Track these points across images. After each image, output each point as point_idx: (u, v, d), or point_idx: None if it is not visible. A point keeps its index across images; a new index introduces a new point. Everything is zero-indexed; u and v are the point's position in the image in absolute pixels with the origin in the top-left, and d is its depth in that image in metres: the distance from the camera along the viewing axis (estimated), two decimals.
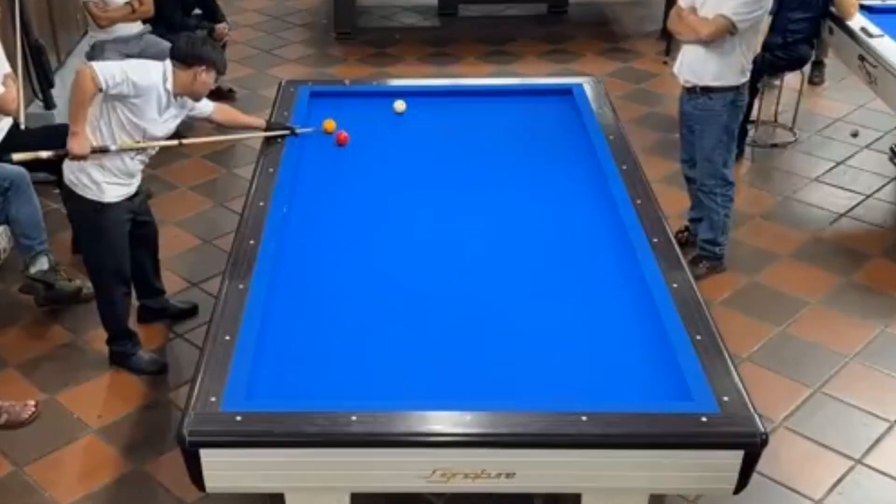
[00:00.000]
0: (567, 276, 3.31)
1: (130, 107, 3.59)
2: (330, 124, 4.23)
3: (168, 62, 3.66)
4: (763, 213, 5.30)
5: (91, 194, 3.73)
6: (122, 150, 3.67)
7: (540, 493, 3.07)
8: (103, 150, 3.64)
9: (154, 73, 3.61)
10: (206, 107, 4.00)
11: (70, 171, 3.73)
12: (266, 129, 4.17)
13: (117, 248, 3.86)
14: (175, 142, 3.99)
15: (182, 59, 3.64)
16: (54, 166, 4.03)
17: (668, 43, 7.15)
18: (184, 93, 3.71)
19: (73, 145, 3.57)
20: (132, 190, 3.85)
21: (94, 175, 3.69)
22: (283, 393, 2.74)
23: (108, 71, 3.50)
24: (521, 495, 3.03)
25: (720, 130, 4.45)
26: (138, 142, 3.68)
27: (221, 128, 4.49)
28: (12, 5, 5.07)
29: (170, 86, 3.64)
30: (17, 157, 3.71)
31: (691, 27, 4.34)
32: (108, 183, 3.73)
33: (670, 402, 2.67)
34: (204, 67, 3.64)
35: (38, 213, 4.25)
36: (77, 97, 3.54)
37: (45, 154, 3.68)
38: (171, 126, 3.78)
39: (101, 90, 3.49)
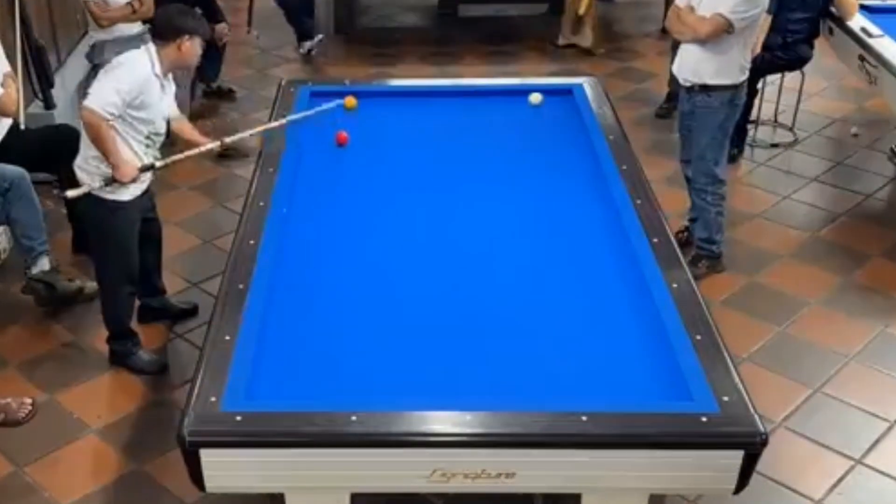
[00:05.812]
0: (567, 276, 3.31)
1: (136, 105, 3.61)
2: (350, 101, 4.19)
3: (151, 45, 3.67)
4: (763, 213, 5.30)
5: (107, 194, 3.73)
6: (168, 163, 3.74)
7: (540, 493, 3.07)
8: (150, 168, 3.74)
9: (142, 64, 3.62)
10: (174, 111, 3.96)
11: (85, 172, 3.73)
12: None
13: (128, 248, 3.88)
14: (216, 143, 3.97)
15: (162, 35, 3.66)
16: (55, 167, 4.04)
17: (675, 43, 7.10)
18: (174, 67, 3.73)
19: (121, 175, 3.62)
20: (145, 186, 3.88)
21: (109, 176, 3.69)
22: (283, 393, 2.74)
23: (105, 101, 3.51)
24: (521, 495, 3.02)
25: (715, 128, 4.46)
26: (153, 140, 3.70)
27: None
28: (12, 5, 5.06)
29: (158, 69, 3.65)
30: (70, 193, 3.72)
31: (689, 26, 4.35)
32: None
33: (670, 402, 2.67)
34: (186, 37, 3.66)
35: (39, 213, 4.25)
36: (94, 137, 3.57)
37: (97, 184, 3.67)
38: (168, 103, 3.80)
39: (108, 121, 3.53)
